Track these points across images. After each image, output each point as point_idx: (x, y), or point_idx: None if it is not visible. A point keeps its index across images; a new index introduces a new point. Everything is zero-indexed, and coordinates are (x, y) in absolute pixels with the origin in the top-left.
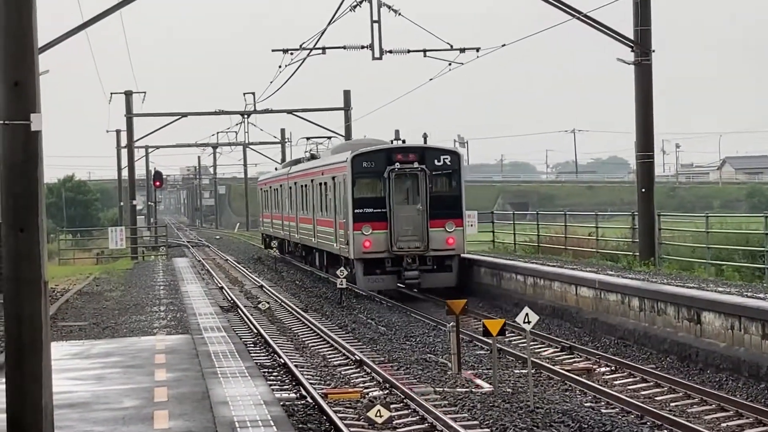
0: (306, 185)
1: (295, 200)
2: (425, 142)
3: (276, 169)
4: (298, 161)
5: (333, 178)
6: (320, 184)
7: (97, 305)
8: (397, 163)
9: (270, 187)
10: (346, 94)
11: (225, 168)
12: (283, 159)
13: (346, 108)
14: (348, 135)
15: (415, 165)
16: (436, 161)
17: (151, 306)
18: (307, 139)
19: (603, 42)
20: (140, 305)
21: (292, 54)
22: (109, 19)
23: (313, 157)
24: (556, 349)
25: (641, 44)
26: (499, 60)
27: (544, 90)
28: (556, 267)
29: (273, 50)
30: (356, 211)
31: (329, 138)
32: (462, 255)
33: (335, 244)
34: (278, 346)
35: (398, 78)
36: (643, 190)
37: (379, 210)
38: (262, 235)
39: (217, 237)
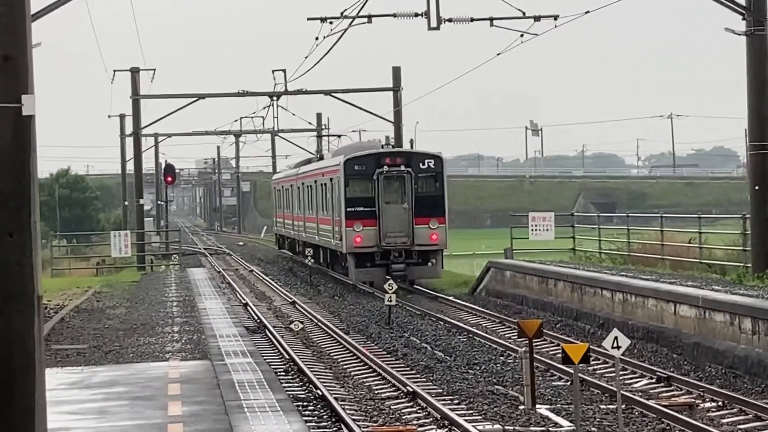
0: (311, 186)
1: (302, 200)
2: (411, 147)
3: (289, 167)
4: (308, 161)
5: (330, 179)
6: (321, 184)
7: (98, 324)
8: (386, 166)
9: (282, 187)
10: (396, 71)
11: (249, 160)
12: (319, 149)
13: (396, 88)
14: (398, 120)
15: (402, 168)
16: (420, 164)
17: (162, 326)
18: (318, 136)
19: (707, 8)
20: (150, 325)
21: (331, 23)
22: None
23: (321, 158)
24: (650, 380)
25: (754, 11)
26: (580, 32)
27: (634, 67)
28: (651, 281)
29: (308, 19)
30: (348, 209)
31: (339, 137)
32: (444, 249)
33: (332, 240)
34: (314, 374)
35: (458, 54)
36: (757, 187)
37: (369, 208)
38: (275, 235)
39: (240, 243)
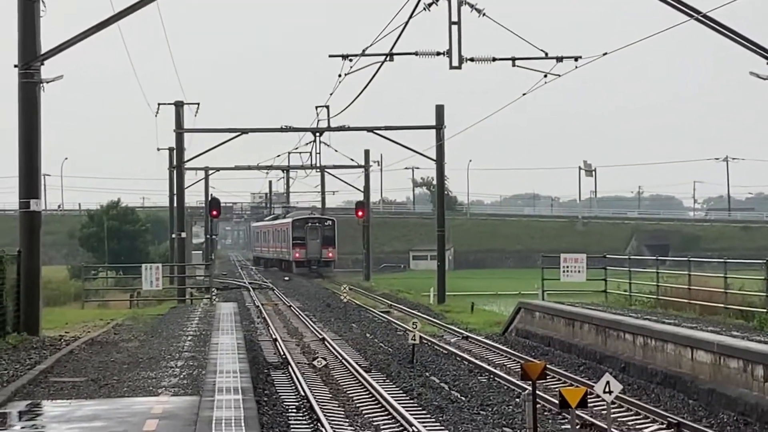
0: (277, 230)
1: (272, 238)
2: (322, 214)
3: (265, 220)
4: (277, 217)
5: (286, 228)
6: (282, 230)
7: (105, 358)
8: (310, 222)
9: (260, 230)
10: (439, 109)
11: (300, 195)
12: (367, 185)
13: (439, 126)
14: (440, 158)
15: (317, 224)
16: (325, 223)
17: (168, 360)
18: (283, 206)
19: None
20: (155, 359)
21: (351, 60)
22: (146, 20)
23: (284, 216)
24: (660, 426)
25: None
26: (630, 73)
27: (689, 109)
28: (672, 325)
29: (330, 56)
30: (293, 242)
31: (294, 208)
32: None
33: (286, 256)
34: (325, 412)
35: (492, 88)
36: None
37: (302, 241)
38: (253, 257)
39: (286, 278)
